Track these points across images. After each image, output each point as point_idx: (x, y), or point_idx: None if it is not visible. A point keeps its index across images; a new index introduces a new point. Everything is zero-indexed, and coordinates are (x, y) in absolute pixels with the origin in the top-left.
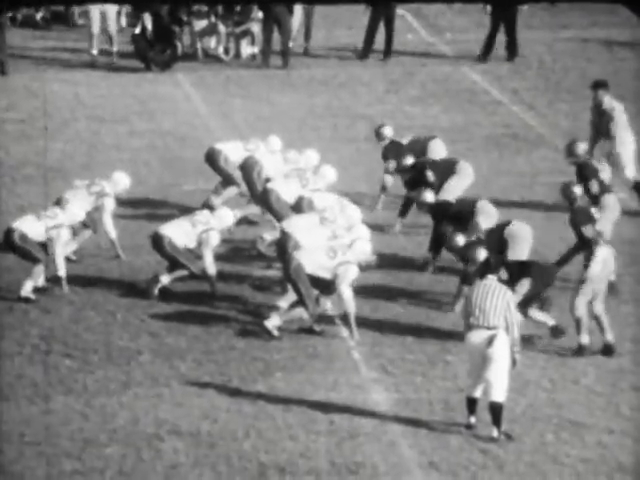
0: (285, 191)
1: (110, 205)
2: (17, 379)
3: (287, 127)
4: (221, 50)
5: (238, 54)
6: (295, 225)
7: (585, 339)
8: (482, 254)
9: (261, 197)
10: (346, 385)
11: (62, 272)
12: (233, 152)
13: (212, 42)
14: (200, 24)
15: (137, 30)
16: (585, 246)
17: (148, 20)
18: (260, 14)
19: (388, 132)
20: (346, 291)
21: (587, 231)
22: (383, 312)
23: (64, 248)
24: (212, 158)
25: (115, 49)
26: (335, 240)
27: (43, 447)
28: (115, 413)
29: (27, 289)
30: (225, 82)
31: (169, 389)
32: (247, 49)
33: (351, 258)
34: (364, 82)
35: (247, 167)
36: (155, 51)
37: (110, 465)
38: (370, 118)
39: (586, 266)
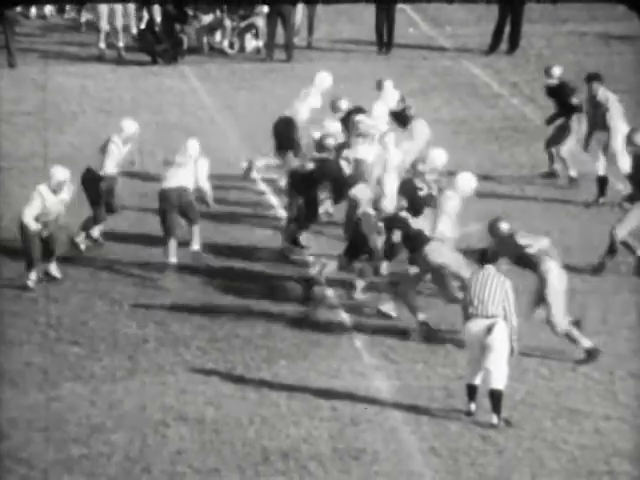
0: None
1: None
2: (26, 366)
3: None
4: (226, 44)
5: (243, 48)
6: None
7: (587, 343)
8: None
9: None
10: (348, 372)
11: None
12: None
13: (217, 36)
14: (206, 19)
15: (143, 24)
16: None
17: (156, 14)
18: (265, 9)
19: (344, 105)
20: None
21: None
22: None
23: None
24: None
25: (122, 43)
26: None
27: (51, 433)
28: (122, 400)
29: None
30: (230, 75)
31: (174, 376)
32: (251, 43)
33: None
34: (366, 75)
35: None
36: (161, 45)
37: (117, 450)
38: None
39: (542, 286)
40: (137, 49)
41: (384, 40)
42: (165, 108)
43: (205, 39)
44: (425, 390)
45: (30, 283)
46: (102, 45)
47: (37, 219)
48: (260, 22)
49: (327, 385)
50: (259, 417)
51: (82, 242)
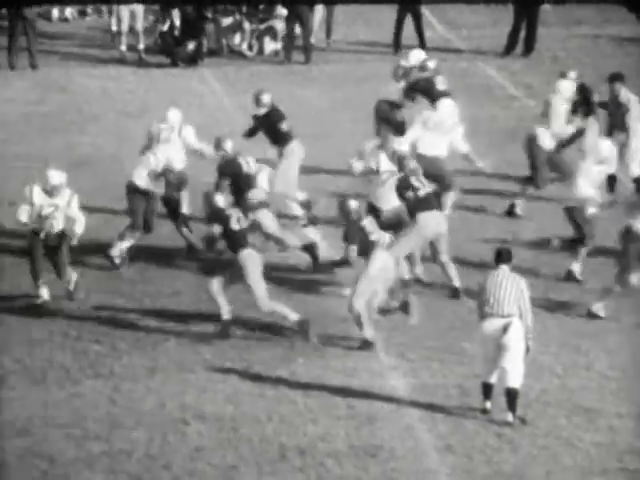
0: None
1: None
2: (47, 364)
3: (308, 121)
4: (245, 46)
5: (261, 50)
6: None
7: (369, 333)
8: None
9: None
10: (365, 371)
11: None
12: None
13: (236, 38)
14: (225, 21)
15: (165, 27)
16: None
17: (176, 17)
18: (283, 11)
19: (267, 99)
20: None
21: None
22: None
23: None
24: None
25: (142, 46)
26: None
27: (72, 430)
28: (142, 397)
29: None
30: (249, 77)
31: (194, 375)
32: (270, 45)
33: None
34: (383, 77)
35: None
36: (181, 47)
37: (137, 448)
38: None
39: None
40: (157, 51)
41: (399, 41)
42: (184, 110)
43: (224, 41)
44: (441, 388)
45: (39, 301)
46: (123, 47)
47: (30, 218)
48: (279, 25)
49: (344, 383)
50: (277, 414)
51: (117, 256)
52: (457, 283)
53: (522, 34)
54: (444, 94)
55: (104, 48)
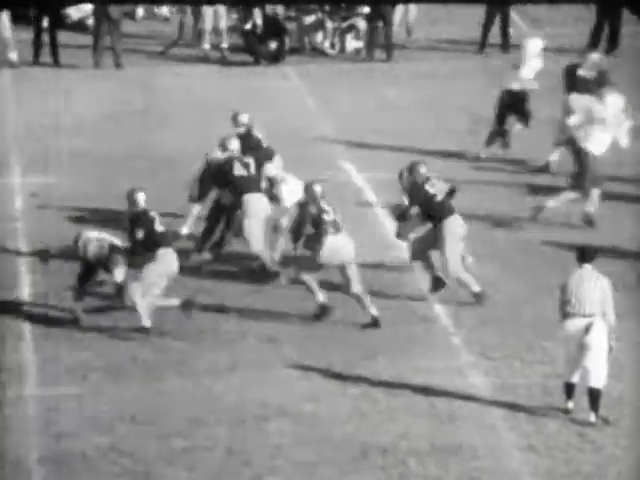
0: None
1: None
2: (130, 360)
3: (390, 119)
4: (327, 44)
5: (343, 48)
6: None
7: (321, 297)
8: None
9: None
10: (446, 370)
11: None
12: None
13: (319, 37)
14: (308, 19)
15: (247, 26)
16: None
17: (258, 16)
18: (366, 9)
19: (244, 119)
20: None
21: None
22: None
23: None
24: None
25: (225, 44)
26: None
27: (153, 426)
28: (223, 394)
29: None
30: (331, 75)
31: (274, 372)
32: (352, 43)
33: None
34: (466, 75)
35: None
36: (264, 45)
37: (218, 444)
38: (471, 110)
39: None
40: (240, 50)
41: (487, 40)
42: (267, 108)
43: (307, 40)
44: (523, 387)
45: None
46: (206, 46)
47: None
48: (361, 23)
49: (425, 382)
50: (358, 413)
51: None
52: (476, 288)
53: (606, 31)
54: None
55: (187, 47)
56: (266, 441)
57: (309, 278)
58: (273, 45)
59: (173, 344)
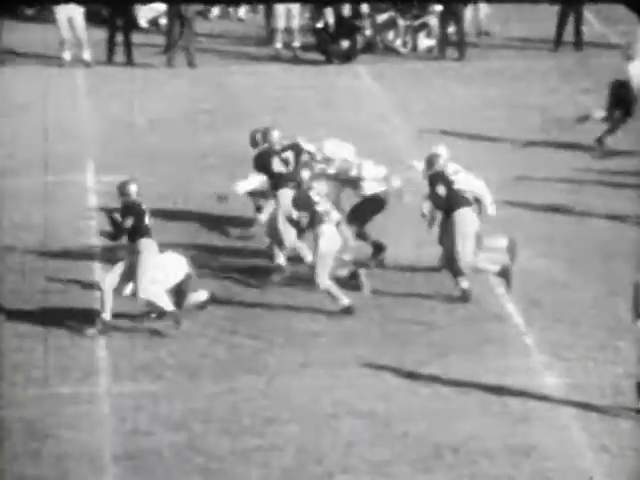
0: None
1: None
2: (203, 358)
3: (463, 118)
4: (399, 43)
5: (415, 47)
6: None
7: (345, 301)
8: None
9: None
10: (518, 369)
11: None
12: None
13: (391, 35)
14: (380, 18)
15: (319, 24)
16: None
17: (330, 14)
18: (438, 7)
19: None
20: None
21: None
22: (553, 296)
23: None
24: None
25: (297, 43)
26: None
27: (227, 424)
28: (295, 392)
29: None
30: (403, 74)
31: (346, 370)
32: (424, 42)
33: None
34: (538, 73)
35: None
36: (336, 44)
37: (290, 442)
38: (543, 108)
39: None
40: (312, 48)
41: (562, 39)
42: (339, 107)
43: (379, 38)
44: (595, 388)
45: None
46: (278, 45)
47: None
48: (433, 21)
49: (497, 381)
50: (430, 412)
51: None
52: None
53: None
54: None
55: (259, 46)
56: (338, 439)
57: (331, 284)
58: (345, 44)
59: (246, 342)
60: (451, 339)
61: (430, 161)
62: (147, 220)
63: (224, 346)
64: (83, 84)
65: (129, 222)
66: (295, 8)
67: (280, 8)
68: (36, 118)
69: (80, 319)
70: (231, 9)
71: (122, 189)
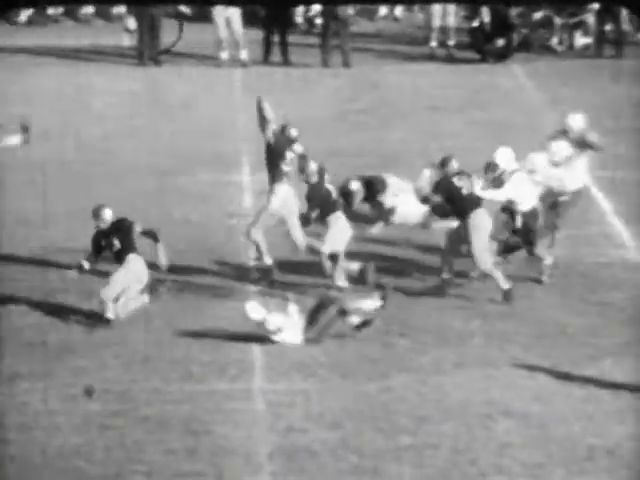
0: None
1: None
2: (357, 357)
3: (617, 116)
4: (555, 41)
5: (571, 45)
6: None
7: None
8: None
9: None
10: None
11: None
12: None
13: (547, 33)
14: (535, 16)
15: (475, 23)
16: None
17: (486, 14)
18: (595, 5)
19: (294, 133)
20: None
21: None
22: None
23: None
24: None
25: (452, 42)
26: None
27: (381, 423)
28: (449, 392)
29: None
30: (558, 72)
31: (500, 371)
32: (581, 40)
33: None
34: None
35: None
36: (491, 43)
37: (444, 442)
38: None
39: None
40: (467, 47)
41: None
42: (494, 106)
43: (534, 36)
44: None
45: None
46: (433, 43)
47: None
48: (590, 19)
49: None
50: (584, 414)
51: None
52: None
53: None
54: None
55: (414, 44)
56: (492, 440)
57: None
58: (500, 42)
59: (399, 341)
60: (606, 340)
61: (444, 162)
62: (134, 235)
63: (378, 345)
64: (240, 84)
65: (117, 243)
66: (451, 7)
67: (436, 7)
68: (194, 117)
69: (235, 316)
70: (398, 12)
71: (96, 213)
